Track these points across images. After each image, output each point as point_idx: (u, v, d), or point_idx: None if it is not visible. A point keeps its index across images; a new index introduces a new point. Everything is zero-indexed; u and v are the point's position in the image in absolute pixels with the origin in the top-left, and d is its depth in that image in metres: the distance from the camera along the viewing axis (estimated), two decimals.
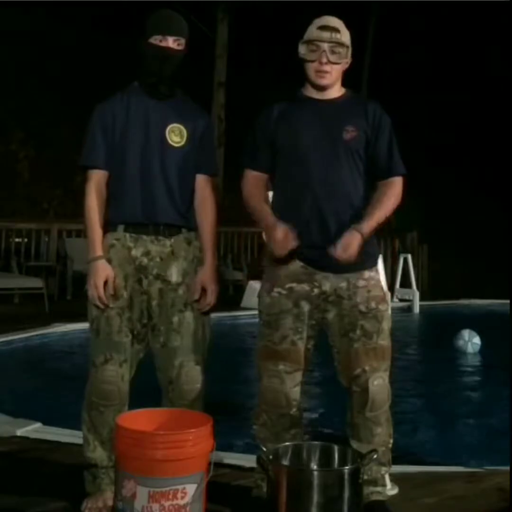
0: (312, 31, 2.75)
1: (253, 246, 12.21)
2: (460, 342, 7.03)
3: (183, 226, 2.86)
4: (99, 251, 2.77)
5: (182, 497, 2.37)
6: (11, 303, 9.19)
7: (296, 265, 2.75)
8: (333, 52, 2.73)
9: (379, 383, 2.73)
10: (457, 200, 15.88)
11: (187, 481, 2.38)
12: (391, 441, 2.84)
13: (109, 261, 2.78)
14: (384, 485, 2.84)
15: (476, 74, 17.69)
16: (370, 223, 2.69)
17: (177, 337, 2.80)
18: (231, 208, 8.47)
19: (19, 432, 3.74)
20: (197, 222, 2.90)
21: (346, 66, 2.81)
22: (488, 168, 16.08)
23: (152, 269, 2.79)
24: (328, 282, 2.73)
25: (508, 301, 8.32)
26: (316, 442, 2.77)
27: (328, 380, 5.53)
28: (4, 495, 2.95)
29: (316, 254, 2.72)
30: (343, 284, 2.73)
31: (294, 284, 2.74)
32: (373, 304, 2.74)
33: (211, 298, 2.86)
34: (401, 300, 10.55)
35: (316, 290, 2.74)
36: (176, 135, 2.83)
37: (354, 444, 2.75)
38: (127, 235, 2.80)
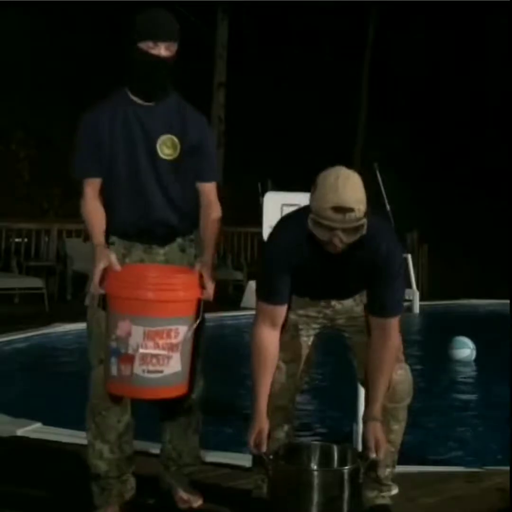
0: (324, 210, 2.39)
1: (253, 246, 12.21)
2: (466, 352, 6.54)
3: (177, 235, 2.79)
4: (98, 239, 2.65)
5: (175, 336, 2.48)
6: (11, 303, 9.18)
7: (302, 299, 2.78)
8: (348, 233, 2.43)
9: (402, 373, 2.72)
10: (457, 200, 15.88)
11: (179, 322, 2.49)
12: (400, 442, 2.81)
13: None
14: (388, 488, 2.81)
15: (477, 74, 17.71)
16: (379, 404, 2.62)
17: None
18: (231, 208, 8.46)
19: (19, 432, 3.74)
20: (201, 223, 2.78)
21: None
22: (488, 168, 16.09)
23: None
24: (336, 302, 2.78)
25: (508, 301, 8.31)
26: (316, 442, 2.78)
27: (328, 380, 5.55)
28: (4, 495, 2.94)
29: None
30: (350, 301, 2.78)
31: (301, 311, 2.79)
32: None
33: (209, 293, 2.64)
34: None
35: (323, 303, 2.79)
36: (168, 147, 2.70)
37: None
38: (121, 242, 2.74)
